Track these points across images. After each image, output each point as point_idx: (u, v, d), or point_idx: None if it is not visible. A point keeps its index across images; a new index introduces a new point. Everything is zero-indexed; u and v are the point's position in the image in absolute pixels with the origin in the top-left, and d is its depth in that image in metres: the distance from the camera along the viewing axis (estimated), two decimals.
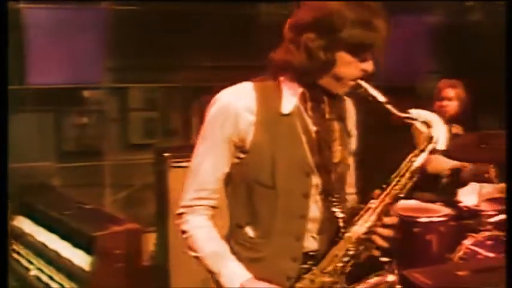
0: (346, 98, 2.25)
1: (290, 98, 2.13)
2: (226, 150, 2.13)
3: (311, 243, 2.17)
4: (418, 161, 2.14)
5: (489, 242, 4.07)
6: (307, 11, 2.06)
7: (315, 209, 2.15)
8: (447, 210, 4.31)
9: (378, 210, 2.12)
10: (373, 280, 2.17)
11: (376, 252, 2.15)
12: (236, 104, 2.11)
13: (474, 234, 4.12)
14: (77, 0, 5.60)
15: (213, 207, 2.19)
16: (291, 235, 2.15)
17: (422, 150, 2.15)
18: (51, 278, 3.45)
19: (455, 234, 4.17)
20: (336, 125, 2.19)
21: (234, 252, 2.18)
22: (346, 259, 2.13)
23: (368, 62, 2.08)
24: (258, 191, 2.14)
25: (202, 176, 2.17)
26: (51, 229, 3.73)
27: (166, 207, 4.66)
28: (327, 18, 2.00)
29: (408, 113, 2.13)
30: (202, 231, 2.18)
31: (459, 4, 6.98)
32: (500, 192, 4.36)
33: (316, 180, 2.13)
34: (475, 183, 4.46)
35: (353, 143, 2.33)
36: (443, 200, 4.39)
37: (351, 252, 2.12)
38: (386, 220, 2.12)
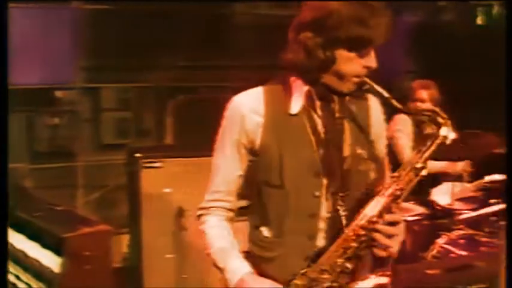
0: (370, 97, 2.26)
1: (298, 98, 2.18)
2: (236, 153, 2.22)
3: (323, 242, 2.19)
4: (424, 158, 2.14)
5: (462, 241, 4.09)
6: (306, 11, 2.12)
7: (325, 208, 2.17)
8: (421, 209, 4.34)
9: (380, 207, 2.11)
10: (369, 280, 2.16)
11: (378, 251, 2.13)
12: (243, 107, 2.19)
13: (447, 233, 4.14)
14: (48, 0, 5.55)
15: (229, 209, 2.29)
16: (303, 234, 2.18)
17: (430, 146, 2.15)
18: (17, 277, 3.41)
19: (428, 233, 4.19)
20: (347, 124, 2.20)
21: (250, 252, 2.26)
22: (345, 256, 2.13)
23: (370, 58, 2.11)
24: (269, 192, 2.19)
25: (216, 178, 2.30)
26: (19, 230, 3.68)
27: (139, 208, 4.63)
28: (324, 17, 2.05)
29: (413, 108, 2.14)
30: (214, 230, 2.26)
31: (432, 4, 7.02)
32: (473, 191, 4.39)
33: (325, 179, 2.16)
34: (448, 182, 4.48)
35: (381, 143, 2.30)
36: (417, 199, 4.41)
37: (350, 250, 2.12)
38: (388, 217, 2.10)
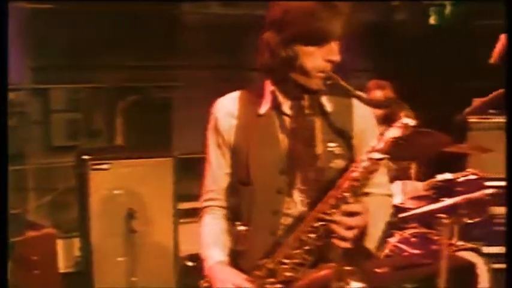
0: (354, 99, 2.26)
1: (267, 98, 2.27)
2: (219, 153, 2.35)
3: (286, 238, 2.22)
4: (380, 145, 2.14)
5: (414, 239, 4.11)
6: (268, 12, 2.22)
7: (291, 205, 2.22)
8: None
9: (336, 198, 2.13)
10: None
11: (338, 242, 2.13)
12: (219, 110, 2.34)
13: (399, 232, 4.16)
14: None
15: (222, 207, 2.39)
16: (266, 229, 2.25)
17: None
18: None
19: None
20: (319, 121, 2.23)
21: (229, 247, 2.36)
22: (302, 248, 2.15)
23: (331, 52, 2.15)
24: (240, 189, 2.30)
25: (207, 178, 2.41)
26: None
27: (88, 211, 4.59)
28: (280, 15, 2.15)
29: (378, 100, 2.15)
30: (205, 228, 2.38)
31: (385, 4, 7.06)
32: (425, 190, 4.42)
33: (291, 176, 2.21)
34: (400, 181, 4.51)
35: (367, 141, 2.25)
36: None
37: (307, 242, 2.15)
38: (346, 207, 2.12)
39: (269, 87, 2.27)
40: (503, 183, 5.13)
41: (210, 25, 6.12)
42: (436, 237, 4.08)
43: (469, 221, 4.37)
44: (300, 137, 2.21)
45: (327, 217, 2.12)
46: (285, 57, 2.15)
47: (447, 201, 2.10)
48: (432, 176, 4.46)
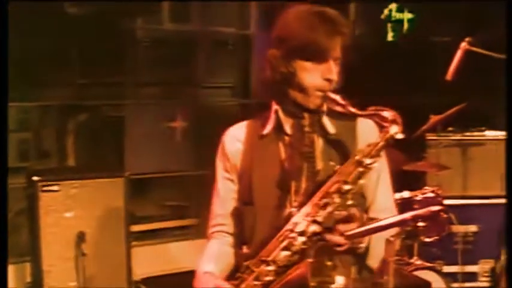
0: (360, 119, 2.32)
1: (271, 118, 2.34)
2: (227, 178, 2.41)
3: None
4: (373, 152, 2.19)
5: None
6: (273, 30, 2.31)
7: (291, 222, 2.23)
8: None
9: (323, 201, 2.17)
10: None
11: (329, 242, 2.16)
12: (227, 136, 2.44)
13: None
14: None
15: (229, 233, 2.45)
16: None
17: (379, 142, 2.21)
18: None
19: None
20: (319, 139, 2.29)
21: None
22: (289, 249, 2.17)
23: (329, 70, 2.21)
24: (243, 210, 2.36)
25: (214, 204, 2.47)
26: None
27: (38, 234, 4.52)
28: (281, 30, 2.26)
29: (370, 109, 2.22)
30: (207, 249, 2.43)
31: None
32: None
33: (291, 192, 2.25)
34: None
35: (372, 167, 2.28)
36: None
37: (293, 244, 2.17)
38: (332, 211, 2.15)
39: (273, 107, 2.34)
40: (462, 202, 5.25)
41: (162, 41, 6.12)
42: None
43: (427, 240, 4.41)
44: (300, 153, 2.27)
45: (314, 219, 2.15)
46: (284, 73, 2.22)
47: (393, 218, 2.11)
48: None
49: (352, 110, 2.23)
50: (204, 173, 5.74)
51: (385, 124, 2.20)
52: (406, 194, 4.38)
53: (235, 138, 2.41)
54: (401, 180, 4.45)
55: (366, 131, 2.34)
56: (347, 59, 2.26)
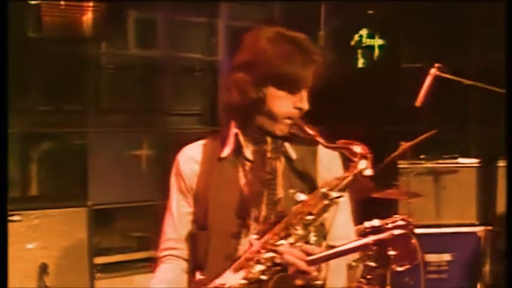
0: (322, 148, 2.32)
1: (230, 141, 2.34)
2: (182, 201, 2.40)
3: None
4: (339, 186, 2.22)
5: None
6: (239, 52, 2.31)
7: (250, 250, 2.23)
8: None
9: (284, 231, 2.18)
10: None
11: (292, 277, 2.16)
12: (182, 157, 2.43)
13: None
14: None
15: (181, 257, 2.42)
16: (220, 275, 2.25)
17: (347, 175, 2.23)
18: None
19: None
20: (281, 166, 2.30)
21: None
22: (248, 278, 2.17)
23: (301, 99, 2.25)
24: (197, 234, 2.34)
25: (166, 226, 2.44)
26: None
27: (5, 266, 4.50)
28: (253, 55, 2.25)
29: (339, 143, 2.22)
30: (157, 274, 2.42)
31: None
32: None
33: (249, 221, 2.26)
34: None
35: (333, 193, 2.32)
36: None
37: (252, 273, 2.17)
38: (295, 241, 2.17)
39: (233, 129, 2.34)
40: (435, 230, 5.32)
41: (127, 67, 6.13)
42: (365, 286, 4.16)
43: (399, 269, 4.46)
44: (260, 180, 2.27)
45: (274, 248, 2.16)
46: (253, 99, 2.22)
47: (355, 242, 2.16)
48: (361, 223, 4.54)
49: (321, 141, 2.26)
50: None
51: (354, 159, 2.22)
52: (376, 222, 4.43)
53: (191, 159, 2.39)
54: (372, 208, 4.52)
55: (327, 157, 2.38)
56: (318, 85, 2.28)
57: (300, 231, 2.18)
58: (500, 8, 3.93)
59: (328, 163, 2.38)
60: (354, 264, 2.14)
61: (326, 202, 2.20)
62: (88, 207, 4.79)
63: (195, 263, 2.36)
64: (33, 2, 5.36)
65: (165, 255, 2.44)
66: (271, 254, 2.17)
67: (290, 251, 2.14)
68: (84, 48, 5.92)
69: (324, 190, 2.21)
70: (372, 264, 4.19)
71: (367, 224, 4.47)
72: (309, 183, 2.33)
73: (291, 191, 2.25)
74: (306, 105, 2.27)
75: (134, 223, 6.26)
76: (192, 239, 2.39)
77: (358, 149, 2.23)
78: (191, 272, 2.39)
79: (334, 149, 2.29)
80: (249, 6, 6.61)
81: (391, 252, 4.25)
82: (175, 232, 2.41)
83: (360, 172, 2.22)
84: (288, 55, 2.20)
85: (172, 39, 6.36)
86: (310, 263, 2.12)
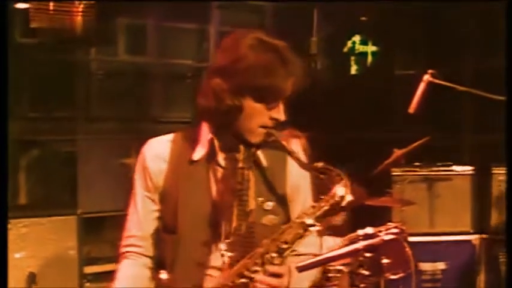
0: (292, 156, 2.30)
1: (202, 145, 2.31)
2: (146, 198, 2.37)
3: None
4: (315, 215, 2.20)
5: None
6: (218, 56, 2.28)
7: (217, 258, 2.24)
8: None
9: (260, 258, 2.18)
10: None
11: None
12: (148, 153, 2.37)
13: None
14: None
15: (143, 254, 2.39)
16: (189, 282, 2.26)
17: (323, 205, 2.21)
18: None
19: None
20: (253, 175, 2.28)
21: None
22: None
23: (278, 110, 2.24)
24: (165, 238, 2.33)
25: (129, 223, 2.41)
26: None
27: (5, 271, 4.49)
28: (232, 63, 2.20)
29: (317, 165, 2.20)
30: (119, 273, 2.38)
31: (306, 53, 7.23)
32: (346, 246, 4.49)
33: (219, 229, 2.24)
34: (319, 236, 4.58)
35: (301, 197, 2.36)
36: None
37: None
38: (270, 269, 2.17)
39: (206, 134, 2.31)
40: (429, 238, 5.33)
41: (117, 73, 6.14)
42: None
43: (393, 277, 4.47)
44: (232, 190, 2.25)
45: (249, 274, 2.16)
46: (230, 106, 2.19)
47: (345, 248, 2.17)
48: (354, 231, 4.55)
49: (297, 159, 2.26)
50: None
51: (331, 186, 2.20)
52: (369, 230, 4.44)
53: (158, 156, 2.35)
54: (365, 216, 4.53)
55: (296, 168, 2.35)
56: (295, 95, 2.26)
57: (276, 260, 2.18)
58: (495, 13, 3.94)
59: (297, 170, 2.36)
60: (344, 269, 2.14)
61: (301, 231, 2.19)
62: (78, 215, 4.78)
63: (160, 262, 2.37)
64: (20, 7, 5.36)
65: (128, 252, 2.41)
66: (244, 280, 2.17)
67: (263, 279, 2.16)
68: (74, 54, 5.92)
69: (299, 220, 2.20)
70: (365, 272, 4.19)
71: (360, 231, 4.48)
72: (279, 191, 2.33)
73: (260, 199, 2.26)
74: (282, 117, 2.26)
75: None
76: (158, 239, 2.38)
77: (335, 174, 2.21)
78: (154, 269, 2.39)
79: (312, 170, 2.27)
80: (240, 12, 6.63)
81: (385, 261, 4.25)
82: (140, 230, 2.38)
83: (338, 201, 2.20)
84: (269, 66, 2.17)
85: (163, 45, 6.38)
86: (301, 269, 2.13)
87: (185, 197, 2.29)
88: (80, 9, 5.45)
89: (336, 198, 2.19)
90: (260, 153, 2.33)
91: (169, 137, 2.40)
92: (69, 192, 5.83)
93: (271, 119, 2.24)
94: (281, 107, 2.25)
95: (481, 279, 5.39)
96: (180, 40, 6.58)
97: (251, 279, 2.16)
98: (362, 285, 4.25)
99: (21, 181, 5.82)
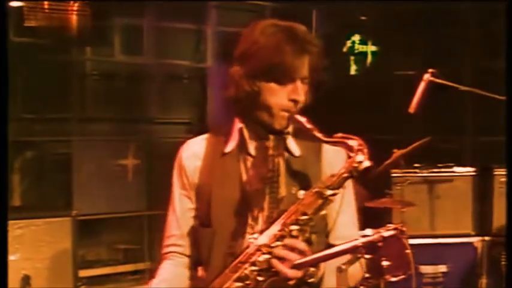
0: (329, 146, 2.30)
1: (234, 136, 2.34)
2: (184, 197, 2.40)
3: None
4: (335, 184, 2.19)
5: None
6: (238, 45, 2.31)
7: (246, 252, 2.22)
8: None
9: (277, 231, 2.17)
10: None
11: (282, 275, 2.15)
12: (184, 154, 2.42)
13: None
14: None
15: (184, 254, 2.42)
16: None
17: (343, 172, 2.19)
18: None
19: None
20: (282, 162, 2.29)
21: None
22: (242, 281, 2.18)
23: (295, 91, 2.22)
24: (200, 232, 2.35)
25: (169, 223, 2.44)
26: None
27: (5, 273, 4.50)
28: (245, 48, 2.25)
29: (337, 136, 2.21)
30: (160, 272, 2.41)
31: None
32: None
33: (251, 218, 2.25)
34: None
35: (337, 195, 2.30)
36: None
37: (246, 274, 2.17)
38: (288, 241, 2.15)
39: (237, 124, 2.34)
40: (430, 241, 5.33)
41: (113, 74, 6.14)
42: None
43: (393, 279, 4.47)
44: (262, 178, 2.26)
45: (269, 250, 2.15)
46: (248, 92, 2.23)
47: (344, 245, 2.16)
48: None
49: (318, 135, 2.23)
50: (157, 214, 5.76)
51: (351, 154, 2.19)
52: (369, 231, 4.45)
53: (194, 154, 2.39)
54: (365, 217, 4.54)
55: (332, 154, 2.36)
56: (316, 78, 2.28)
57: (294, 232, 2.17)
58: (495, 13, 3.95)
59: (332, 160, 2.36)
60: (343, 267, 2.13)
61: (320, 201, 2.18)
62: (72, 217, 4.79)
63: (197, 259, 2.39)
64: (15, 5, 5.37)
65: (169, 252, 2.44)
66: (266, 256, 2.16)
67: (281, 253, 2.14)
68: (69, 54, 5.93)
69: (317, 189, 2.19)
70: (365, 274, 4.20)
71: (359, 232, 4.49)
72: (312, 181, 2.31)
73: (293, 188, 2.25)
74: (301, 97, 2.25)
75: (120, 235, 6.26)
76: (194, 236, 2.40)
77: (354, 143, 2.20)
78: (193, 268, 2.42)
79: (331, 143, 2.26)
80: (238, 12, 6.65)
81: (385, 262, 4.26)
82: (178, 228, 2.42)
83: (356, 167, 2.18)
84: (276, 44, 2.20)
85: (159, 46, 6.39)
86: (297, 266, 2.12)
87: (218, 188, 2.31)
88: (75, 8, 5.46)
89: (354, 164, 2.18)
90: (292, 143, 2.33)
91: (205, 135, 2.44)
92: (64, 194, 5.84)
93: (290, 100, 2.24)
94: (299, 87, 2.24)
95: (483, 282, 5.39)
96: (177, 40, 6.59)
97: (271, 254, 2.14)
98: (362, 287, 4.26)
99: (16, 183, 5.83)
